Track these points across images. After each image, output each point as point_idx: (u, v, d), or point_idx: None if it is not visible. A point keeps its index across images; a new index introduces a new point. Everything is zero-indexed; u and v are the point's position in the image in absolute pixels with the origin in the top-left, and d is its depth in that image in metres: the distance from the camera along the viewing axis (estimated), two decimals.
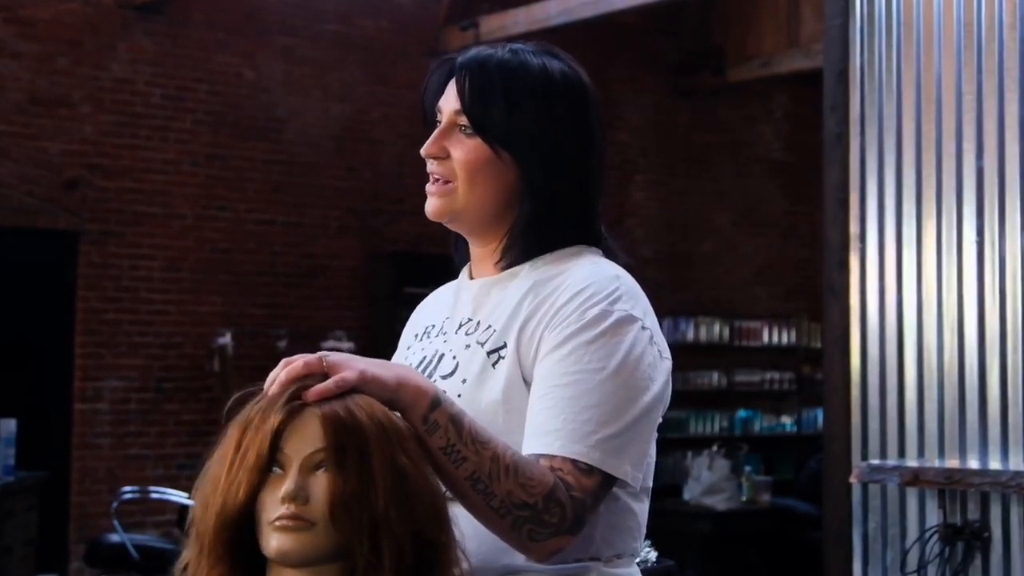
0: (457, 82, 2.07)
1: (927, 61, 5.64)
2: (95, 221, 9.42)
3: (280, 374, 1.79)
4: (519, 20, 10.14)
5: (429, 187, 2.10)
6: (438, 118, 2.10)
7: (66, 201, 9.32)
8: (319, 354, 1.81)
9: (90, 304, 9.41)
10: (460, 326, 2.10)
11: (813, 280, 11.34)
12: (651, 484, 2.07)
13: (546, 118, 2.04)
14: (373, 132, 10.48)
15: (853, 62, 5.88)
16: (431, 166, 2.09)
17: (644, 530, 2.08)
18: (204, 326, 9.84)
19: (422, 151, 2.09)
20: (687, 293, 12.58)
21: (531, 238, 2.07)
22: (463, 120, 2.05)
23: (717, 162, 12.98)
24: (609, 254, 2.12)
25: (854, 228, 5.84)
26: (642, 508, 2.06)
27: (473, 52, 2.10)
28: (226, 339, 9.80)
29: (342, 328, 10.27)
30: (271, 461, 1.75)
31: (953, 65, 5.54)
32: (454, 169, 2.07)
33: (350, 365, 1.80)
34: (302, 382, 1.77)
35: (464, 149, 2.05)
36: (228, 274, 9.98)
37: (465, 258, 2.20)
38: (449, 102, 2.08)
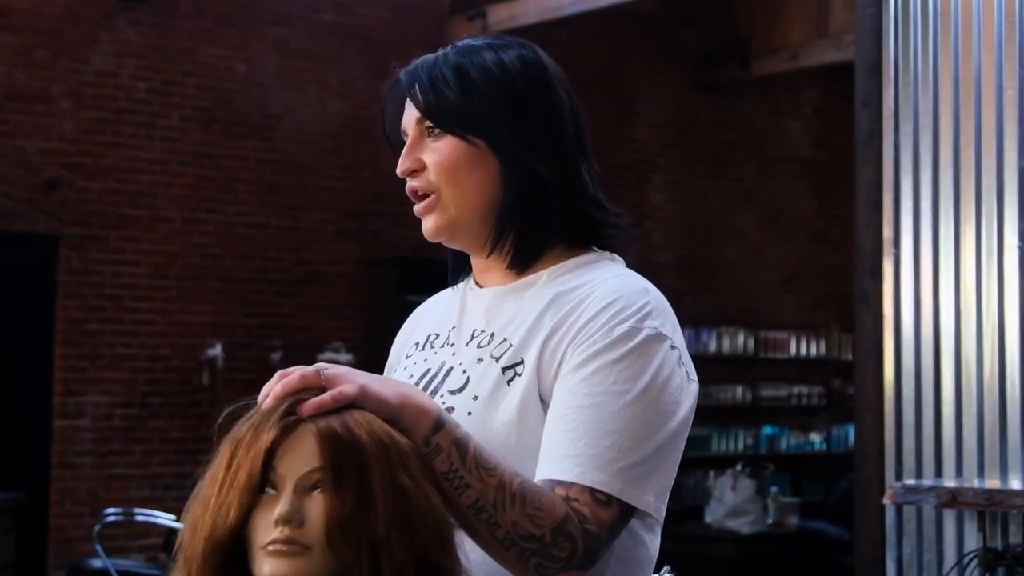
0: (409, 92, 2.10)
1: (965, 53, 5.65)
2: (76, 224, 9.44)
3: (275, 387, 1.80)
4: (529, 10, 10.15)
5: (417, 209, 2.11)
6: (404, 138, 2.12)
7: (45, 203, 9.34)
8: (316, 366, 1.81)
9: (70, 313, 9.43)
10: (472, 338, 2.10)
11: (844, 288, 11.34)
12: (664, 512, 2.07)
13: (507, 95, 2.07)
14: (373, 130, 10.44)
15: (887, 54, 5.89)
16: (410, 183, 2.11)
17: (655, 563, 2.08)
18: (192, 337, 9.85)
19: (398, 171, 2.11)
20: (709, 301, 12.58)
21: (520, 219, 2.07)
22: (427, 124, 2.08)
23: (741, 161, 12.98)
24: (621, 247, 2.14)
25: (888, 232, 5.85)
26: (654, 540, 2.06)
27: (417, 62, 2.13)
28: (216, 351, 9.81)
29: (340, 339, 10.28)
30: (264, 481, 1.74)
31: (993, 58, 5.55)
32: (431, 179, 2.08)
33: (350, 379, 1.80)
34: (298, 396, 1.77)
35: (436, 153, 2.07)
36: (218, 281, 9.99)
37: (459, 276, 2.22)
38: (410, 116, 2.11)
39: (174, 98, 9.85)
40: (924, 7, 5.77)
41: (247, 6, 10.15)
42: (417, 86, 2.08)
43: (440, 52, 2.12)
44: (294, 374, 1.80)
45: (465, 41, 2.15)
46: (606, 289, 2.01)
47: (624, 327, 1.96)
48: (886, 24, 5.89)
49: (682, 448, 2.01)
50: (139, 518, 7.53)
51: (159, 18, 9.80)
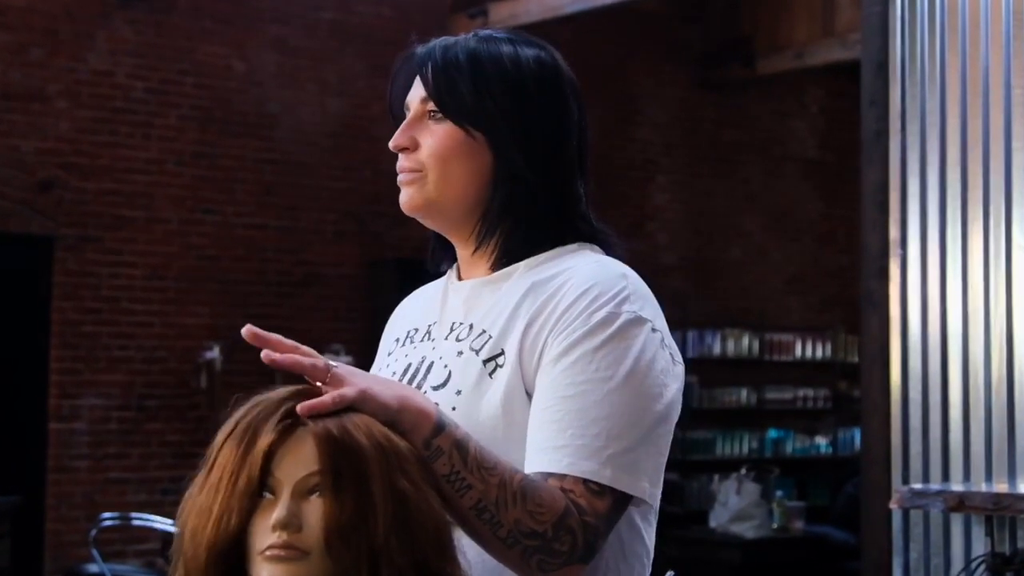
0: (420, 70, 2.10)
1: (973, 52, 5.64)
2: (71, 225, 9.44)
3: (284, 358, 1.78)
4: (531, 8, 10.14)
5: (400, 179, 2.12)
6: (406, 112, 2.13)
7: (40, 203, 9.34)
8: (328, 362, 1.81)
9: (66, 315, 9.42)
10: (451, 331, 2.10)
11: (850, 289, 11.34)
12: (658, 502, 2.06)
13: (517, 95, 2.06)
14: (373, 129, 10.49)
15: (893, 53, 5.89)
16: (400, 160, 2.12)
17: (652, 555, 2.07)
18: (190, 339, 9.85)
19: (390, 144, 2.11)
20: (714, 303, 12.57)
21: (508, 222, 2.07)
22: (431, 106, 2.08)
23: (746, 161, 12.98)
24: (608, 249, 2.13)
25: (894, 233, 5.84)
26: (650, 530, 2.06)
27: (436, 41, 2.12)
28: (214, 353, 9.81)
29: (340, 341, 10.28)
30: (262, 485, 1.74)
31: (1001, 56, 5.55)
32: (422, 160, 2.08)
33: (351, 381, 1.79)
34: (294, 401, 1.77)
35: (434, 136, 2.08)
36: (216, 283, 9.99)
37: (441, 261, 2.22)
38: (416, 93, 2.11)
39: (171, 97, 9.85)
40: (931, 5, 5.76)
41: (246, 4, 10.15)
42: (430, 65, 2.08)
43: (461, 36, 2.12)
44: (306, 359, 1.79)
45: (487, 31, 2.15)
46: (582, 276, 2.01)
47: (602, 313, 1.96)
48: (893, 22, 5.89)
49: (672, 431, 2.00)
50: (136, 522, 7.52)
51: (156, 16, 9.80)
